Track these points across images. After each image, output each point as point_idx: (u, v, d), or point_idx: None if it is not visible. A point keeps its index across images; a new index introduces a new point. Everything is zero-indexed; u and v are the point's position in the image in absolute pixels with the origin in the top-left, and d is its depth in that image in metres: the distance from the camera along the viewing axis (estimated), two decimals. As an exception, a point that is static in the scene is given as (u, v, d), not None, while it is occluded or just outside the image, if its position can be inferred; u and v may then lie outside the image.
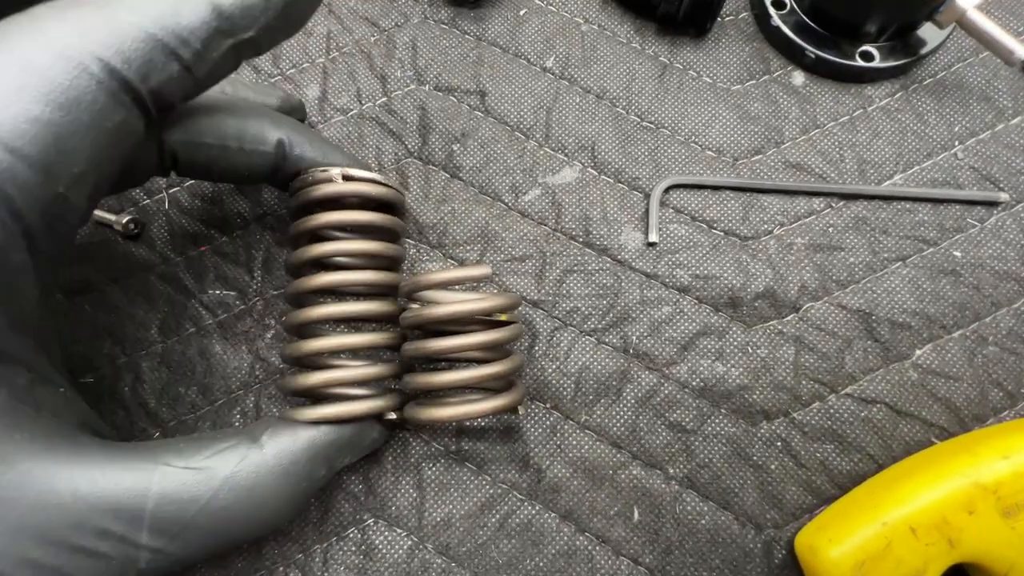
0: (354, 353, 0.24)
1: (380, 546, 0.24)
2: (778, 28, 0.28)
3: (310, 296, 0.22)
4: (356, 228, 0.23)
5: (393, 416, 0.22)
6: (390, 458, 0.24)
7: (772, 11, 0.29)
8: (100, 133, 0.16)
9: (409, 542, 0.24)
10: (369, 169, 0.24)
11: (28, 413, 0.16)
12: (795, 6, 0.29)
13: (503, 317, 0.22)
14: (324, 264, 0.23)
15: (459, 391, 0.23)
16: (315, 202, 0.22)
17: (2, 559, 0.15)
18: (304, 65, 0.29)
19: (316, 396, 0.22)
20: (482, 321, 0.22)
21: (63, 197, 0.16)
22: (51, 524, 0.15)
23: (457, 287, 0.24)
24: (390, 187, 0.24)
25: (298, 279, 0.22)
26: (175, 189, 0.28)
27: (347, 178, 0.22)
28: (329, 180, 0.22)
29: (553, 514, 0.24)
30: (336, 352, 0.22)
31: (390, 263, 0.24)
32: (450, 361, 0.24)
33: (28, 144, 0.14)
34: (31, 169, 0.15)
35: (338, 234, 0.23)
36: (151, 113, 0.17)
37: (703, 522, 0.24)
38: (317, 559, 0.23)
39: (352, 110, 0.29)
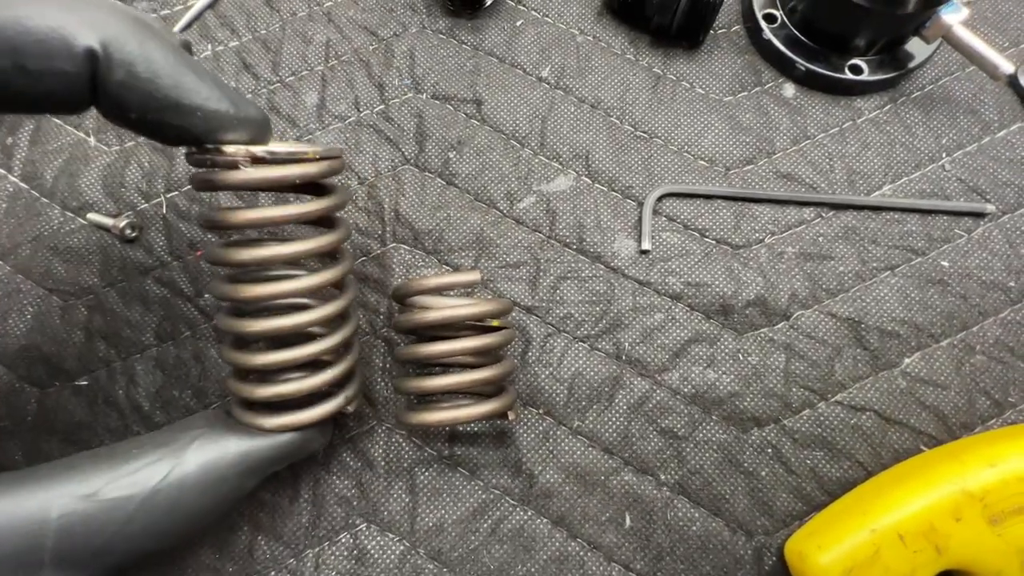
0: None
1: (372, 551, 0.24)
2: (769, 41, 0.29)
3: (244, 306, 0.20)
4: (277, 225, 0.21)
5: (351, 408, 0.21)
6: (383, 462, 0.24)
7: (764, 24, 0.29)
8: (56, 84, 0.15)
9: (401, 547, 0.24)
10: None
11: None
12: (786, 20, 0.29)
13: (495, 323, 0.22)
14: (254, 275, 0.21)
15: (450, 395, 0.23)
16: (221, 188, 0.18)
17: None
18: (303, 73, 0.30)
19: (272, 407, 0.20)
20: (474, 326, 0.22)
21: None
22: None
23: (450, 292, 0.24)
24: (313, 159, 0.19)
25: (230, 284, 0.19)
26: (173, 194, 0.28)
27: (258, 160, 0.18)
28: (234, 165, 0.18)
29: (545, 520, 0.24)
30: (280, 369, 0.19)
31: (328, 253, 0.20)
32: (442, 366, 0.24)
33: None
34: None
35: (264, 236, 0.21)
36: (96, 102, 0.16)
37: (694, 528, 0.24)
38: (309, 564, 0.23)
39: (350, 117, 0.29)
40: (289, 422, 0.19)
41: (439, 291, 0.21)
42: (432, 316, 0.20)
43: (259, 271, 0.21)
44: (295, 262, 0.21)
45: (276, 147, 0.18)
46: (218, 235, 0.23)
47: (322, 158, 0.19)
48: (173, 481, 0.16)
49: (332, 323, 0.21)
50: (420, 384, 0.21)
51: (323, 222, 0.21)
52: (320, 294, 0.21)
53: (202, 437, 0.18)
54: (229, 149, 0.17)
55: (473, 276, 0.21)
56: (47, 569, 0.15)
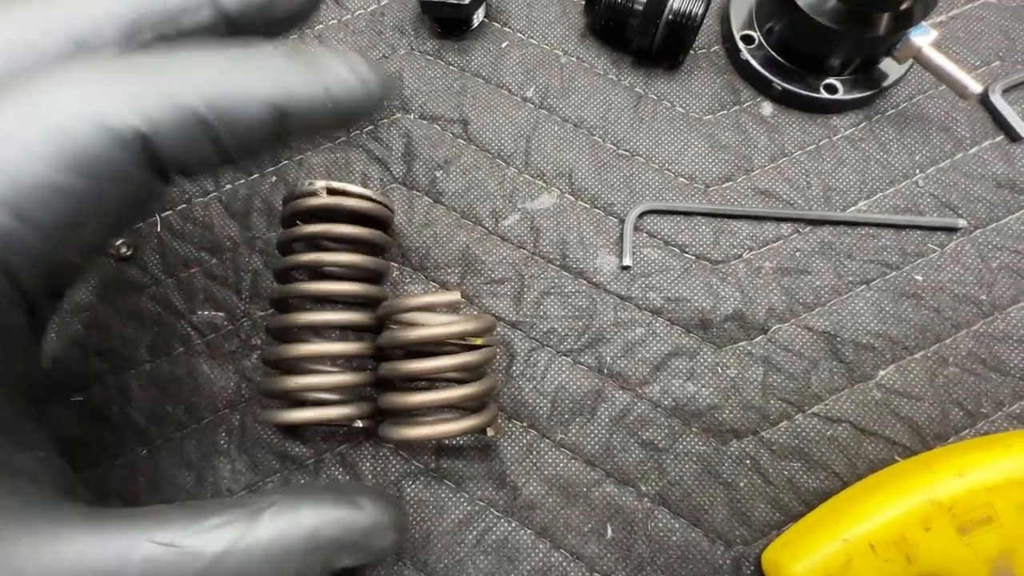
0: (332, 361, 0.25)
1: (360, 562, 0.24)
2: (747, 62, 0.30)
3: (293, 302, 0.24)
4: (339, 240, 0.24)
5: (361, 424, 0.23)
6: (370, 475, 0.25)
7: (741, 45, 0.30)
8: (121, 201, 0.15)
9: (388, 559, 0.24)
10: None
11: (3, 483, 0.15)
12: (763, 41, 0.30)
13: (479, 341, 0.23)
14: (309, 273, 0.24)
15: (433, 411, 0.24)
16: (302, 214, 0.24)
17: None
18: (294, 94, 0.30)
19: (291, 400, 0.23)
20: (457, 344, 0.23)
21: (70, 264, 0.15)
22: None
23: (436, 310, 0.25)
24: (375, 201, 0.24)
25: (281, 285, 0.23)
26: (167, 213, 0.29)
27: (332, 191, 0.23)
28: (314, 194, 0.23)
29: (529, 531, 0.24)
30: (313, 358, 0.23)
31: (372, 275, 0.25)
32: (427, 380, 0.25)
33: (43, 213, 0.13)
34: (41, 239, 0.13)
35: (327, 244, 0.24)
36: (172, 179, 0.16)
37: (674, 539, 0.24)
38: None
39: (340, 136, 0.30)
40: (294, 418, 0.21)
41: (422, 310, 0.22)
42: (415, 334, 0.21)
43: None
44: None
45: (347, 186, 0.24)
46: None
47: (383, 204, 0.25)
48: (244, 544, 0.16)
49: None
50: (402, 400, 0.22)
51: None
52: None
53: (279, 504, 0.17)
54: (317, 184, 0.23)
55: (453, 296, 0.21)
56: None
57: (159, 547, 0.15)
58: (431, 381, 0.25)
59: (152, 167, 0.14)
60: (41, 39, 0.15)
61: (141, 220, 0.16)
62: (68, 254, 0.14)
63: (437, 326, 0.21)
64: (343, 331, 0.26)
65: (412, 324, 0.22)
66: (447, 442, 0.25)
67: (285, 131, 0.15)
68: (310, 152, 0.30)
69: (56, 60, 0.15)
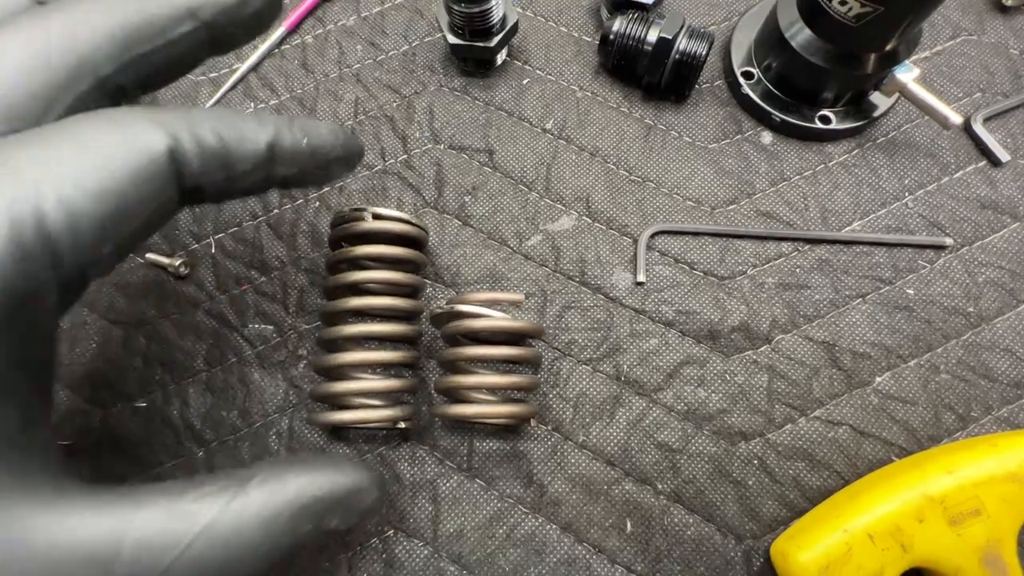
0: (374, 369, 0.27)
1: (400, 555, 0.26)
2: (748, 95, 0.33)
3: (341, 316, 0.26)
4: (383, 260, 0.27)
5: (404, 425, 0.25)
6: (409, 475, 0.27)
7: (742, 81, 0.33)
8: (150, 207, 0.17)
9: (426, 551, 0.26)
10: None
11: (15, 456, 0.16)
12: (762, 77, 0.33)
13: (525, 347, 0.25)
14: (355, 290, 0.27)
15: (482, 397, 0.26)
16: (349, 236, 0.26)
17: None
18: (335, 127, 0.33)
19: (338, 404, 0.25)
20: (511, 340, 0.25)
21: (106, 258, 0.17)
22: (22, 574, 0.14)
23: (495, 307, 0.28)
24: (413, 224, 0.27)
25: (331, 301, 0.26)
26: (220, 235, 0.32)
27: (376, 216, 0.26)
28: (362, 219, 0.26)
29: (554, 526, 0.27)
30: (358, 366, 0.25)
31: (410, 290, 0.27)
32: (483, 368, 0.27)
33: (94, 210, 0.15)
34: (87, 232, 0.15)
35: (369, 263, 0.27)
36: (184, 201, 0.19)
37: (689, 533, 0.26)
38: (343, 568, 0.26)
39: (377, 166, 0.33)
40: (339, 419, 0.24)
41: (487, 304, 0.25)
42: (484, 323, 0.24)
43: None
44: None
45: (390, 211, 0.27)
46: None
47: (420, 227, 0.28)
48: (234, 509, 0.17)
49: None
50: (463, 380, 0.24)
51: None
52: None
53: (264, 472, 0.18)
54: (365, 211, 0.26)
55: (518, 296, 0.24)
56: None
57: (155, 515, 0.16)
58: (484, 369, 0.27)
59: (176, 181, 0.17)
60: (56, 59, 0.17)
61: (155, 232, 0.19)
62: (106, 247, 0.16)
63: (507, 319, 0.24)
64: (384, 342, 0.28)
65: (477, 315, 0.24)
66: (478, 444, 0.28)
67: (274, 164, 0.19)
68: (350, 179, 0.32)
69: (66, 76, 0.17)
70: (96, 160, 0.16)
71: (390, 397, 0.26)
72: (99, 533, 0.15)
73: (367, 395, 0.25)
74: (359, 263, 0.27)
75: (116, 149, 0.16)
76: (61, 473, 0.17)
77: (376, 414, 0.25)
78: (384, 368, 0.28)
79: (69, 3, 0.18)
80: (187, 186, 0.18)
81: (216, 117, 0.18)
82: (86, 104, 0.18)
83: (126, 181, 0.16)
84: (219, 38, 0.20)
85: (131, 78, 0.19)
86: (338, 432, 0.28)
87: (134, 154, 0.16)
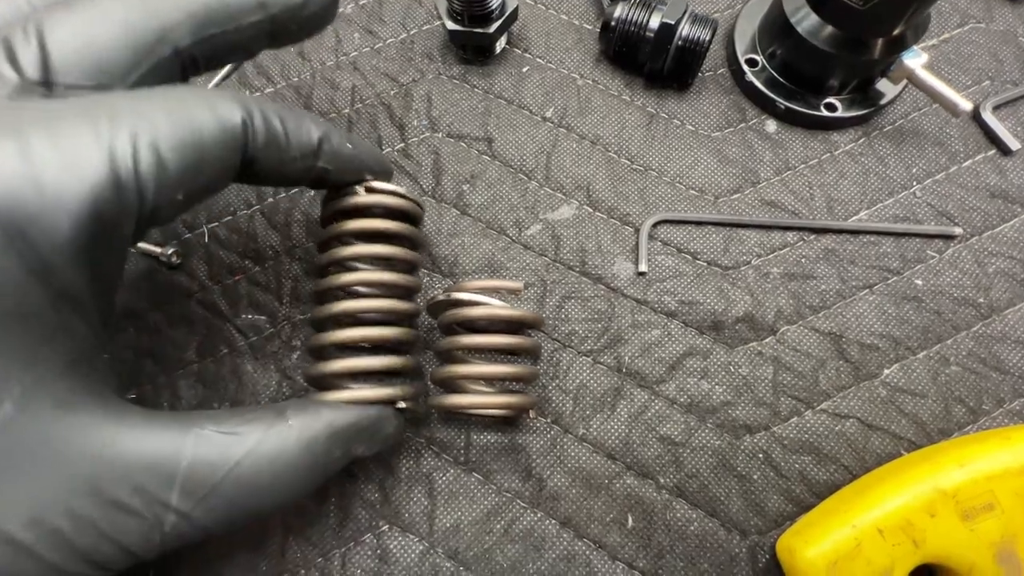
0: (371, 349, 0.26)
1: (394, 550, 0.26)
2: (752, 83, 0.32)
3: (332, 293, 0.25)
4: (376, 235, 0.25)
5: (405, 405, 0.24)
6: (404, 468, 0.27)
7: (746, 68, 0.32)
8: (220, 169, 0.19)
9: (421, 547, 0.26)
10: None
11: (87, 371, 0.17)
12: (766, 64, 0.32)
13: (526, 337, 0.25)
14: (346, 267, 0.26)
15: (480, 387, 0.25)
16: (341, 212, 0.25)
17: (51, 507, 0.16)
18: (331, 115, 0.33)
19: (333, 387, 0.24)
20: (510, 330, 0.24)
21: (177, 203, 0.19)
22: (96, 476, 0.16)
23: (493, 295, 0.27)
24: (407, 198, 0.26)
25: (322, 279, 0.25)
26: (213, 224, 0.31)
27: (369, 190, 0.25)
28: (354, 193, 0.25)
29: (553, 521, 0.26)
30: (352, 345, 0.24)
31: (406, 266, 0.26)
32: (480, 358, 0.27)
33: (177, 159, 0.18)
34: (169, 177, 0.18)
35: (361, 240, 0.26)
36: (240, 173, 0.21)
37: (692, 528, 0.26)
38: (336, 563, 0.25)
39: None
40: (343, 397, 0.23)
41: (485, 292, 0.24)
42: (482, 311, 0.23)
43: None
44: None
45: (383, 184, 0.25)
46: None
47: (414, 201, 0.26)
48: (277, 432, 0.19)
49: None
50: (458, 370, 0.23)
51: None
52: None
53: (297, 405, 0.21)
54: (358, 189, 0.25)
55: (517, 284, 0.24)
56: (175, 493, 0.17)
57: (209, 432, 0.18)
58: (482, 359, 0.26)
59: (242, 150, 0.20)
60: (144, 25, 0.19)
61: (212, 195, 0.20)
62: (180, 193, 0.18)
63: (507, 308, 0.23)
64: (379, 321, 0.27)
65: (474, 303, 0.24)
66: (475, 437, 0.27)
67: (319, 158, 0.22)
68: (346, 168, 0.32)
69: (151, 43, 0.19)
70: (184, 119, 0.18)
71: (389, 378, 0.25)
72: (161, 446, 0.17)
73: (363, 375, 0.24)
74: (351, 239, 0.26)
75: (202, 113, 0.18)
76: (121, 396, 0.19)
77: (374, 393, 0.23)
78: (382, 348, 0.26)
79: None
80: (248, 158, 0.20)
81: (283, 107, 0.21)
82: (163, 70, 0.20)
83: (206, 140, 0.18)
84: (279, 32, 0.22)
85: (203, 54, 0.21)
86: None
87: (216, 120, 0.18)
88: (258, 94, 0.33)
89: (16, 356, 0.16)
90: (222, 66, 0.22)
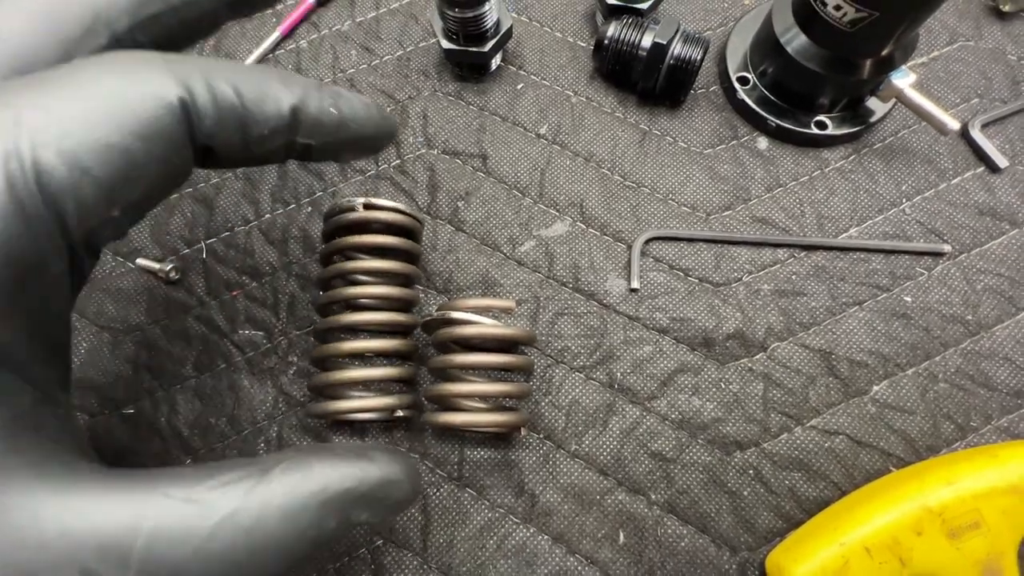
0: (370, 360, 0.27)
1: (388, 566, 0.26)
2: (743, 101, 0.32)
3: (333, 307, 0.26)
4: (374, 250, 0.26)
5: (403, 413, 0.25)
6: (398, 484, 0.27)
7: (737, 86, 0.33)
8: (162, 166, 0.16)
9: (415, 562, 0.26)
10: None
11: (28, 436, 0.15)
12: (757, 82, 0.33)
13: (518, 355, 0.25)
14: (347, 280, 0.26)
15: (473, 405, 0.26)
16: (342, 227, 0.26)
17: None
18: (328, 132, 0.33)
19: (335, 396, 0.25)
20: (503, 347, 0.25)
21: (113, 220, 0.15)
22: (31, 562, 0.13)
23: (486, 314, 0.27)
24: (406, 213, 0.27)
25: (324, 292, 0.26)
26: (211, 240, 0.31)
27: (368, 206, 0.26)
28: (353, 209, 0.26)
29: (546, 536, 0.26)
30: (355, 358, 0.25)
31: (404, 280, 0.27)
32: (472, 376, 0.27)
33: (100, 167, 0.14)
34: (95, 190, 0.14)
35: (361, 254, 0.27)
36: (199, 159, 0.17)
37: (682, 544, 0.26)
38: (330, 578, 0.26)
39: (370, 171, 0.32)
40: (340, 408, 0.23)
41: (478, 311, 0.24)
42: (473, 330, 0.24)
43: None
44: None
45: (382, 201, 0.26)
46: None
47: (414, 216, 0.27)
48: (256, 499, 0.15)
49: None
50: (450, 388, 0.24)
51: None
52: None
53: (289, 460, 0.16)
54: (356, 200, 0.26)
55: (509, 303, 0.24)
56: (131, 574, 0.14)
57: (173, 502, 0.14)
58: (475, 376, 0.27)
59: (189, 137, 0.16)
60: (69, 10, 0.16)
61: (169, 195, 0.17)
62: (115, 209, 0.15)
63: (498, 326, 0.24)
64: (378, 332, 0.28)
65: (467, 322, 0.24)
66: (469, 453, 0.27)
67: (297, 131, 0.17)
68: (342, 184, 0.32)
69: (81, 29, 0.16)
70: (101, 108, 0.14)
71: (388, 387, 0.26)
72: (114, 520, 0.14)
73: (364, 384, 0.25)
74: (350, 254, 0.27)
75: (123, 96, 0.14)
76: (77, 454, 0.16)
77: (374, 402, 0.24)
78: (382, 359, 0.28)
79: None
80: (199, 144, 0.16)
81: (236, 70, 0.16)
82: None
83: (134, 133, 0.14)
84: (236, 10, 0.19)
85: (148, 37, 0.18)
86: (337, 424, 0.28)
87: (143, 102, 0.15)
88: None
89: None
90: (186, 47, 0.19)
